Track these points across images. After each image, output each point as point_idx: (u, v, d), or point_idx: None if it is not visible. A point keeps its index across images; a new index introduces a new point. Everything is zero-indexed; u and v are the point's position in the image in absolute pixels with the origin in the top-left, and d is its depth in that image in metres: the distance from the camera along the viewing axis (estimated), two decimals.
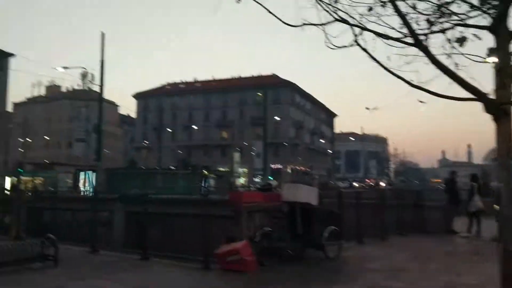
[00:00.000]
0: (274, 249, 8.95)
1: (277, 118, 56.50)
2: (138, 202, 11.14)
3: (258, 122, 61.80)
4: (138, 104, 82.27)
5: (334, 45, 4.99)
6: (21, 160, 48.63)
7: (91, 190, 26.14)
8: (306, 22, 4.83)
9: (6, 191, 19.93)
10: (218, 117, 74.50)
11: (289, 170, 64.64)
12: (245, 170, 60.32)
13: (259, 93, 59.55)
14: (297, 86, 74.41)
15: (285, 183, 12.49)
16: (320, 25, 4.80)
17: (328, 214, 10.13)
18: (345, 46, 4.97)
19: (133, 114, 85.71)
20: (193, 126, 74.11)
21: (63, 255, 8.92)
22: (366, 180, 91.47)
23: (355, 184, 69.26)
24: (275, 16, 4.77)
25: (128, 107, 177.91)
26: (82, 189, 28.14)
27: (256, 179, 53.52)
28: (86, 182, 29.21)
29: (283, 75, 76.06)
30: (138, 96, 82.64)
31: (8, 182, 43.94)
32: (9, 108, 77.30)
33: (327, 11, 4.74)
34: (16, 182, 35.63)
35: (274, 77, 74.94)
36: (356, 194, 13.30)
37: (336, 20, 4.82)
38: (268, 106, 46.82)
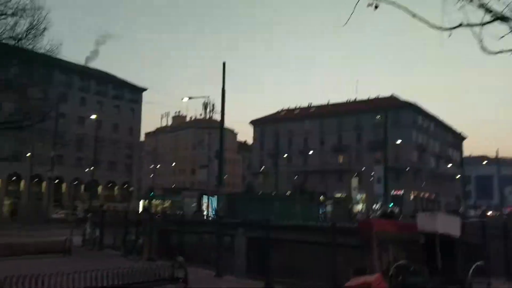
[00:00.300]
0: (410, 285, 7.98)
1: (398, 141, 53.62)
2: (259, 228, 10.96)
3: (376, 146, 59.30)
4: (255, 130, 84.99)
5: (491, 51, 4.19)
6: (152, 186, 52.98)
7: (213, 214, 27.15)
8: (462, 23, 4.12)
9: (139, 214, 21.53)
10: (334, 142, 73.40)
11: (411, 197, 60.47)
12: (363, 196, 57.87)
13: (378, 116, 57.21)
14: (419, 107, 70.23)
15: (421, 212, 11.33)
16: (479, 25, 4.07)
17: (473, 247, 8.83)
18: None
19: (250, 141, 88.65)
20: (309, 152, 73.89)
21: (190, 277, 9.02)
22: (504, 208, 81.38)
23: (490, 212, 62.01)
24: (421, 20, 4.19)
25: (246, 134, 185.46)
26: (205, 212, 29.37)
27: (375, 206, 50.95)
28: (209, 206, 30.45)
29: (403, 96, 72.48)
30: (255, 122, 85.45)
31: (141, 205, 48.16)
32: (142, 138, 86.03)
33: (486, 9, 4.01)
34: (148, 205, 38.68)
35: (393, 98, 71.82)
36: (503, 224, 11.54)
37: (497, 18, 4.05)
38: (387, 129, 44.59)
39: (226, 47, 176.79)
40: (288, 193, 57.76)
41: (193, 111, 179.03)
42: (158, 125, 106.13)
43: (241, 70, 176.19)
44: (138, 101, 75.10)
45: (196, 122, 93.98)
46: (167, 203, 39.90)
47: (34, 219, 45.99)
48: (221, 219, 11.69)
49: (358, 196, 52.12)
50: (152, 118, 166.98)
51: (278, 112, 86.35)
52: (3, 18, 34.74)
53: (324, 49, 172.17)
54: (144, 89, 76.03)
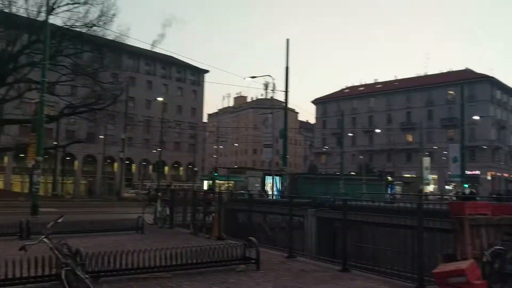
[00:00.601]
0: (507, 274, 7.12)
1: (475, 117, 50.16)
2: (331, 208, 10.41)
3: (449, 123, 55.85)
4: (317, 109, 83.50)
5: None
6: (216, 165, 53.84)
7: (277, 193, 26.87)
8: None
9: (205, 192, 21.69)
10: (402, 120, 70.26)
11: (488, 177, 56.67)
12: (434, 176, 55.12)
13: (450, 91, 53.77)
14: (497, 80, 65.08)
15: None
16: None
17: None
18: None
19: (312, 120, 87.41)
20: (375, 130, 71.48)
21: (261, 258, 8.74)
22: None
23: None
24: None
25: (306, 114, 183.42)
26: (269, 192, 29.21)
27: (448, 187, 48.30)
28: (273, 186, 30.25)
29: (479, 69, 67.59)
30: (317, 101, 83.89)
31: (205, 185, 49.13)
32: (205, 119, 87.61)
33: None
34: (212, 185, 39.29)
35: (467, 72, 67.17)
36: None
37: None
38: (463, 104, 41.68)
39: (290, 28, 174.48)
40: (353, 173, 56.40)
41: (254, 92, 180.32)
42: (220, 106, 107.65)
43: (301, 50, 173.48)
44: (200, 83, 76.33)
45: (257, 102, 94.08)
46: (230, 183, 40.33)
47: (108, 197, 48.69)
48: (291, 198, 11.24)
49: (430, 177, 49.71)
50: (214, 100, 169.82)
51: (341, 90, 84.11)
52: (76, 7, 36.39)
53: (390, 23, 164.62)
54: (206, 71, 77.00)
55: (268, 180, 31.57)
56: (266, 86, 68.70)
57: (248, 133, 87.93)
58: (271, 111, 31.94)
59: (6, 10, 34.33)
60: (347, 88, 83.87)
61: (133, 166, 65.65)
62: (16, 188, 52.31)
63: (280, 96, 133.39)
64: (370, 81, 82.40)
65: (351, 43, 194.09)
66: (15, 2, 34.99)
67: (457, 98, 52.32)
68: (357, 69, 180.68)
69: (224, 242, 9.48)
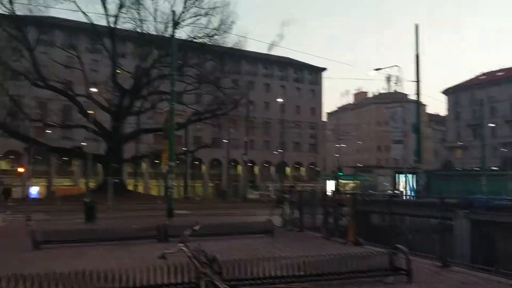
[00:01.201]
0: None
1: None
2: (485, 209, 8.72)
3: None
4: (448, 100, 76.86)
5: None
6: (339, 165, 52.37)
7: (412, 193, 24.69)
8: None
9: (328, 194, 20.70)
10: None
11: None
12: None
13: None
14: None
15: None
16: None
17: None
18: None
19: (443, 112, 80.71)
20: None
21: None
22: None
23: None
24: None
25: (435, 105, 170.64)
26: (404, 192, 27.00)
27: None
28: (406, 185, 27.95)
29: None
30: (448, 91, 77.22)
31: (328, 185, 47.98)
32: (324, 118, 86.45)
33: None
34: (336, 185, 38.06)
35: None
36: None
37: None
38: None
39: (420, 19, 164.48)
40: (493, 168, 50.46)
41: (375, 87, 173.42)
42: (339, 104, 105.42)
43: (424, 40, 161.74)
44: (318, 82, 75.44)
45: (379, 97, 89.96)
46: (355, 183, 38.69)
47: (234, 199, 50.37)
48: (442, 200, 9.75)
49: None
50: (332, 97, 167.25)
51: (476, 77, 76.13)
52: (198, 19, 38.46)
53: None
54: (324, 69, 75.86)
55: (400, 178, 29.29)
56: (388, 79, 64.98)
57: (370, 129, 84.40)
58: (400, 104, 29.69)
59: (138, 30, 37.69)
60: (483, 74, 75.61)
61: (256, 168, 67.26)
62: (154, 192, 57.08)
63: (405, 89, 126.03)
64: (510, 65, 73.06)
65: (483, 23, 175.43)
66: (145, 21, 38.32)
67: None
68: (493, 53, 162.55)
69: (363, 249, 8.48)
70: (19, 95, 36.05)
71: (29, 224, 16.69)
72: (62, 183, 54.69)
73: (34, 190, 47.64)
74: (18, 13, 33.18)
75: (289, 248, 11.33)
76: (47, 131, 46.46)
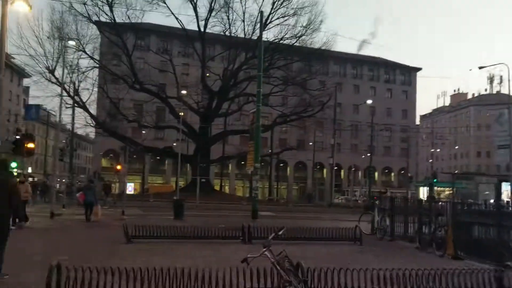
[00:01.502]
0: None
1: None
2: None
3: None
4: None
5: None
6: (434, 171, 48.95)
7: None
8: None
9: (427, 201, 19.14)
10: None
11: None
12: None
13: None
14: None
15: None
16: None
17: None
18: None
19: None
20: None
21: None
22: None
23: None
24: None
25: None
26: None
27: None
28: None
29: None
30: None
31: (421, 192, 45.09)
32: (417, 121, 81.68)
33: None
34: (430, 192, 35.54)
35: None
36: None
37: None
38: None
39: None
40: None
41: (475, 88, 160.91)
42: (434, 106, 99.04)
43: None
44: (411, 83, 71.59)
45: (479, 99, 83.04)
46: (452, 190, 35.75)
47: (319, 203, 49.45)
48: None
49: None
50: (427, 100, 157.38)
51: None
52: (286, 20, 38.34)
53: None
54: (418, 69, 71.82)
55: (505, 187, 26.37)
56: (491, 79, 59.68)
57: (469, 134, 78.10)
58: (507, 106, 26.73)
59: (227, 33, 38.55)
60: None
61: (342, 172, 65.51)
62: (239, 193, 58.15)
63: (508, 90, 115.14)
64: None
65: None
66: (234, 24, 39.15)
67: None
68: None
69: (464, 264, 7.47)
70: (118, 97, 38.63)
71: (123, 218, 17.61)
72: (155, 181, 57.85)
73: (129, 187, 50.96)
74: (117, 20, 35.65)
75: (380, 258, 10.54)
76: (142, 131, 49.42)
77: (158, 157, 56.11)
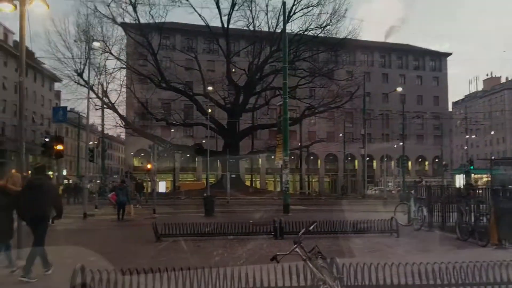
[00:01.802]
0: None
1: None
2: None
3: None
4: None
5: None
6: (470, 158, 47.24)
7: None
8: None
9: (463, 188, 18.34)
10: None
11: None
12: None
13: None
14: None
15: None
16: None
17: None
18: None
19: None
20: None
21: None
22: None
23: None
24: None
25: None
26: None
27: None
28: None
29: None
30: None
31: (457, 180, 43.64)
32: (450, 107, 79.15)
33: None
34: (469, 180, 34.34)
35: None
36: None
37: None
38: None
39: None
40: None
41: (508, 71, 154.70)
42: (467, 92, 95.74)
43: None
44: (442, 69, 69.34)
45: None
46: (487, 177, 34.42)
47: (352, 195, 48.66)
48: None
49: None
50: (459, 85, 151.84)
51: None
52: (310, 11, 37.67)
53: None
54: (449, 54, 69.49)
55: None
56: None
57: (504, 118, 75.11)
58: None
59: (250, 27, 38.25)
60: None
61: (374, 163, 64.21)
62: (270, 187, 57.89)
63: None
64: None
65: None
66: (257, 17, 38.85)
67: None
68: None
69: (510, 253, 6.92)
70: (146, 97, 39.00)
71: (154, 217, 17.66)
72: (186, 179, 58.35)
73: (161, 185, 51.48)
74: (141, 20, 35.91)
75: (419, 250, 10.07)
76: (171, 130, 49.85)
77: (188, 155, 56.59)
